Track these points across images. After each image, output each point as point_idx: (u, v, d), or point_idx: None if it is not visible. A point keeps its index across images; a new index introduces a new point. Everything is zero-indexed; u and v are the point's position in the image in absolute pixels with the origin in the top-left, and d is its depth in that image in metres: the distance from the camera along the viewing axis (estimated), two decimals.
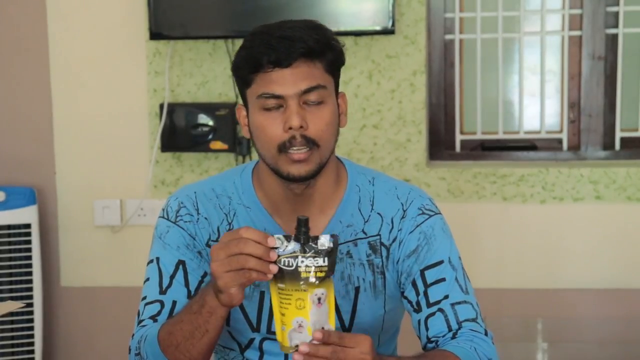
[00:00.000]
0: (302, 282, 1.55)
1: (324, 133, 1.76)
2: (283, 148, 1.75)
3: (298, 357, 1.53)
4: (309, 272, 1.55)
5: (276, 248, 1.56)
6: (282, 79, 1.73)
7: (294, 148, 1.74)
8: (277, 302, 1.57)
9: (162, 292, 1.83)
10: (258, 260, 1.57)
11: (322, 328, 1.55)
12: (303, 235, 1.57)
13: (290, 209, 1.84)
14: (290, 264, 1.55)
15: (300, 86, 1.74)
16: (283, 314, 1.56)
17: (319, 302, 1.55)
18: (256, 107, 1.77)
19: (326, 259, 1.56)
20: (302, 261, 1.55)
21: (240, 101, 1.86)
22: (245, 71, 1.77)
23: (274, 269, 1.57)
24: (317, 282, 1.55)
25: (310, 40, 1.74)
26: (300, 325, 1.54)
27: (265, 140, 1.77)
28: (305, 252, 1.56)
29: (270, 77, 1.74)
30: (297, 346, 1.54)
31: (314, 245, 1.56)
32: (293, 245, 1.56)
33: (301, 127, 1.73)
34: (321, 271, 1.55)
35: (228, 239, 1.60)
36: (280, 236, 1.57)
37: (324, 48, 1.76)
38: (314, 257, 1.56)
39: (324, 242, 1.57)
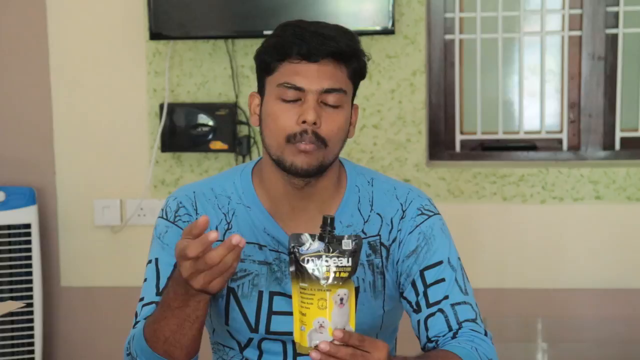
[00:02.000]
0: (325, 282, 1.53)
1: (334, 135, 1.77)
2: (292, 139, 1.75)
3: (316, 355, 1.52)
4: (333, 272, 1.54)
5: (301, 248, 1.56)
6: (307, 72, 1.74)
7: (303, 141, 1.74)
8: (297, 301, 1.55)
9: (159, 293, 1.82)
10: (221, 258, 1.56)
11: (344, 329, 1.54)
12: (328, 234, 1.56)
13: (290, 207, 1.84)
14: (314, 263, 1.54)
15: (323, 84, 1.75)
16: (304, 314, 1.54)
17: (341, 303, 1.53)
18: (273, 95, 1.77)
19: (350, 259, 1.55)
20: (327, 261, 1.54)
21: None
22: (270, 58, 1.78)
23: (237, 240, 1.56)
24: (340, 282, 1.53)
25: (342, 42, 1.76)
26: (321, 326, 1.53)
27: (275, 128, 1.77)
28: (329, 251, 1.55)
29: (295, 68, 1.75)
30: (316, 347, 1.53)
31: (338, 245, 1.55)
32: (317, 245, 1.55)
33: (315, 123, 1.74)
34: (345, 271, 1.54)
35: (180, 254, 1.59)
36: (307, 235, 1.56)
37: (352, 54, 1.78)
38: (338, 257, 1.54)
39: (349, 242, 1.56)
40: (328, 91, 1.75)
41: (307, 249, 1.55)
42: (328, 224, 1.57)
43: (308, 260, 1.54)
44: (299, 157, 1.75)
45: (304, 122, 1.74)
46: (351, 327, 1.55)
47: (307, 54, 1.74)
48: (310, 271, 1.54)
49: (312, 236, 1.56)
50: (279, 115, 1.76)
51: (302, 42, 1.74)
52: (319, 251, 1.55)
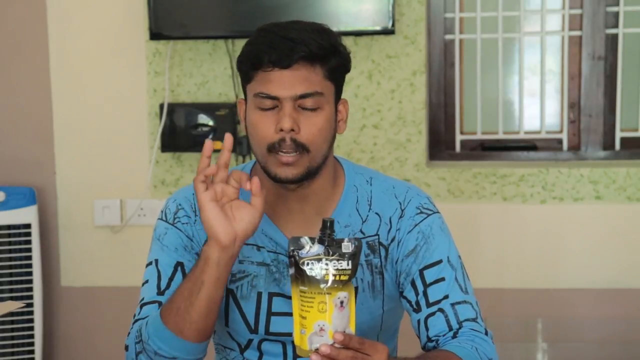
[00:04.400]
0: (325, 285, 1.53)
1: (315, 138, 1.76)
2: (272, 149, 1.75)
3: (316, 358, 1.52)
4: (333, 275, 1.53)
5: (301, 252, 1.55)
6: (280, 80, 1.74)
7: (283, 151, 1.75)
8: (297, 305, 1.55)
9: (160, 293, 1.83)
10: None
11: (344, 332, 1.53)
12: (327, 237, 1.56)
13: (286, 209, 1.84)
14: (314, 267, 1.54)
15: (296, 90, 1.74)
16: (304, 317, 1.54)
17: (342, 306, 1.53)
18: (252, 104, 1.78)
19: (350, 262, 1.55)
20: (326, 264, 1.54)
21: (242, 96, 1.86)
22: (246, 67, 1.78)
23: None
24: (340, 285, 1.53)
25: (313, 45, 1.74)
26: (321, 329, 1.52)
27: (256, 138, 1.78)
28: (329, 254, 1.55)
29: (269, 76, 1.74)
30: (317, 350, 1.52)
31: (337, 248, 1.55)
32: (317, 248, 1.55)
33: (292, 130, 1.74)
34: (345, 274, 1.54)
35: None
36: (307, 238, 1.56)
37: (326, 53, 1.76)
38: (337, 260, 1.54)
39: (348, 245, 1.56)
40: (303, 96, 1.74)
41: (307, 252, 1.55)
42: (328, 227, 1.56)
43: (308, 264, 1.54)
44: (281, 168, 1.76)
45: (281, 130, 1.74)
46: (351, 329, 1.55)
47: (277, 61, 1.73)
48: (309, 274, 1.54)
49: (312, 239, 1.56)
50: (258, 125, 1.76)
51: (272, 50, 1.73)
52: (318, 254, 1.54)
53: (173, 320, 1.73)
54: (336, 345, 1.52)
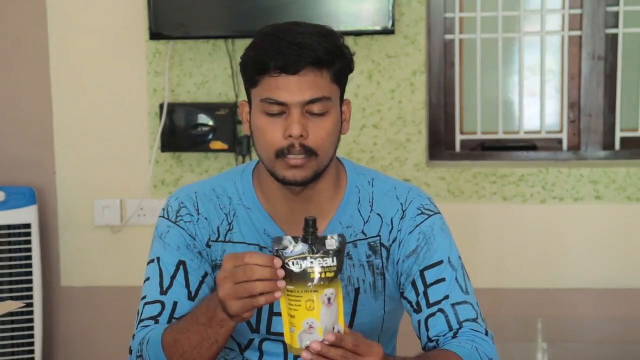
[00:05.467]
0: (311, 283, 1.53)
1: (324, 143, 1.76)
2: (281, 154, 1.75)
3: (307, 355, 1.52)
4: (319, 272, 1.54)
5: (285, 251, 1.55)
6: (287, 86, 1.73)
7: (292, 155, 1.74)
8: (285, 304, 1.55)
9: (163, 292, 1.83)
10: (266, 284, 1.56)
11: (333, 328, 1.54)
12: (311, 236, 1.56)
13: (289, 210, 1.84)
14: (299, 266, 1.54)
15: (305, 96, 1.73)
16: (292, 316, 1.55)
17: (329, 303, 1.54)
18: (259, 110, 1.77)
19: (335, 258, 1.55)
20: (312, 262, 1.54)
21: (243, 97, 1.86)
22: (252, 71, 1.77)
23: (281, 285, 1.55)
24: (327, 282, 1.54)
25: (320, 50, 1.73)
26: (311, 327, 1.53)
27: (264, 143, 1.77)
28: (314, 252, 1.55)
29: (276, 82, 1.73)
30: (307, 347, 1.53)
31: (322, 246, 1.55)
32: (301, 247, 1.55)
33: (301, 136, 1.73)
34: (330, 271, 1.54)
35: (232, 266, 1.59)
36: (289, 237, 1.56)
37: (333, 57, 1.75)
38: (322, 257, 1.54)
39: (332, 242, 1.56)
40: (311, 102, 1.73)
41: (291, 252, 1.55)
42: (310, 225, 1.56)
43: (293, 263, 1.54)
44: (290, 171, 1.75)
45: (290, 136, 1.73)
46: (340, 325, 1.56)
47: (284, 68, 1.71)
48: (296, 273, 1.54)
49: (295, 239, 1.56)
50: (266, 131, 1.75)
51: (279, 56, 1.71)
52: (303, 253, 1.55)
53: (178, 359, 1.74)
54: (326, 343, 1.52)
